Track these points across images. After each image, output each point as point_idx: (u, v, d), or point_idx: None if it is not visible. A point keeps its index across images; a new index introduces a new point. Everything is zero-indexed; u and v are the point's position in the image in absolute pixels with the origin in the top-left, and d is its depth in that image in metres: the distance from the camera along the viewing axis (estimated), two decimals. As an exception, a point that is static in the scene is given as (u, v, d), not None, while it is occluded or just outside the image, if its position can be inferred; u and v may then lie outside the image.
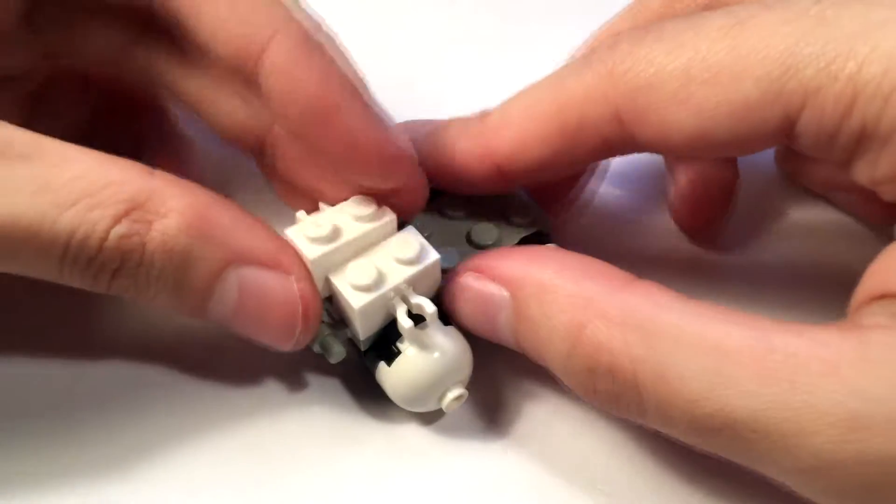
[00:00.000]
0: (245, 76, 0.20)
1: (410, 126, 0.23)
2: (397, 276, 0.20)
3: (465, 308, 0.21)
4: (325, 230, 0.20)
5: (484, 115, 0.21)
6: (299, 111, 0.19)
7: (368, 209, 0.21)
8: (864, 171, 0.18)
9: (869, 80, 0.16)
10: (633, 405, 0.18)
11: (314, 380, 0.23)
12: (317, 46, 0.20)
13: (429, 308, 0.20)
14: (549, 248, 0.21)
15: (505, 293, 0.19)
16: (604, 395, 0.18)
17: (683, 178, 0.25)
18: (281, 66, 0.19)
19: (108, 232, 0.17)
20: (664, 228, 0.26)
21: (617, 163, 0.27)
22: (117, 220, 0.17)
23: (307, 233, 0.20)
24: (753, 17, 0.18)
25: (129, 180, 0.18)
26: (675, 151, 0.20)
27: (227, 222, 0.19)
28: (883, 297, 0.16)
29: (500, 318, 0.20)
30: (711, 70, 0.18)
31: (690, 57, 0.18)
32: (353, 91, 0.20)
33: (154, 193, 0.18)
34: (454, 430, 0.22)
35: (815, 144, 0.18)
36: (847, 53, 0.16)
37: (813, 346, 0.16)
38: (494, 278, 0.20)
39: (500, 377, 0.23)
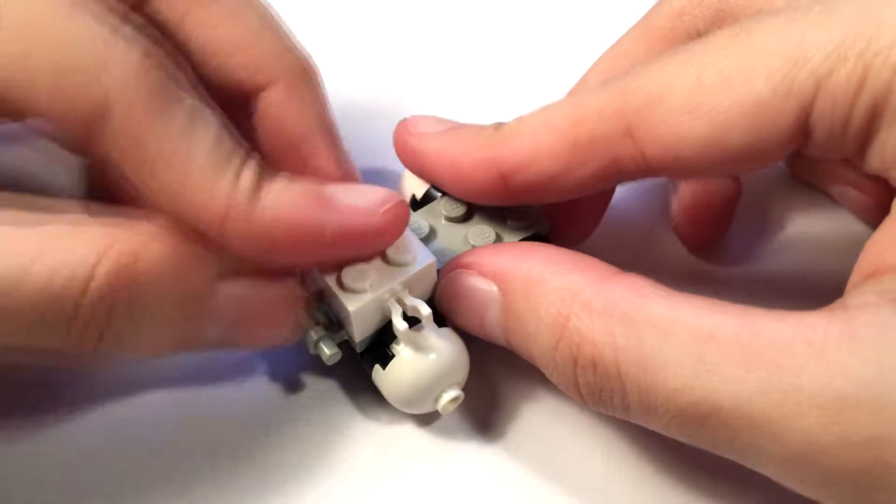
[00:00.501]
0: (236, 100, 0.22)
1: (422, 121, 0.23)
2: (392, 278, 0.20)
3: (455, 305, 0.21)
4: None
5: (498, 125, 0.21)
6: (283, 147, 0.21)
7: None
8: (877, 156, 0.18)
9: (878, 53, 0.16)
10: (617, 397, 0.17)
11: (310, 381, 0.23)
12: (307, 93, 0.22)
13: (424, 310, 0.20)
14: (537, 243, 0.21)
15: (493, 288, 0.19)
16: (587, 389, 0.18)
17: (686, 189, 0.25)
18: (275, 110, 0.22)
19: (93, 269, 0.16)
20: (665, 239, 0.26)
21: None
22: (99, 257, 0.17)
23: None
24: (759, 23, 0.18)
25: (88, 220, 0.17)
26: (686, 168, 0.19)
27: (201, 241, 0.18)
28: (873, 274, 0.16)
29: (489, 315, 0.20)
30: (722, 74, 0.18)
31: (700, 65, 0.18)
32: (329, 136, 0.22)
33: (120, 224, 0.17)
34: (450, 432, 0.22)
35: (829, 136, 0.18)
36: (855, 34, 0.17)
37: (799, 329, 0.16)
38: (483, 274, 0.20)
39: (497, 378, 0.23)
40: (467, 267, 0.20)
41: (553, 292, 0.18)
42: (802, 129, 0.18)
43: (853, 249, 0.19)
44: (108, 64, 0.17)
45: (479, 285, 0.20)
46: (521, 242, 0.21)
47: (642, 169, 0.20)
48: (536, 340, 0.19)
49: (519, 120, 0.21)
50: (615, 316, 0.17)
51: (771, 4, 0.21)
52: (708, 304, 0.17)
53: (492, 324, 0.20)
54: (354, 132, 0.29)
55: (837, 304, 0.16)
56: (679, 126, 0.18)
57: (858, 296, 0.16)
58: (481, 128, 0.22)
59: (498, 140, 0.21)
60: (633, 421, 0.18)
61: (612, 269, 0.19)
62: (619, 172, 0.20)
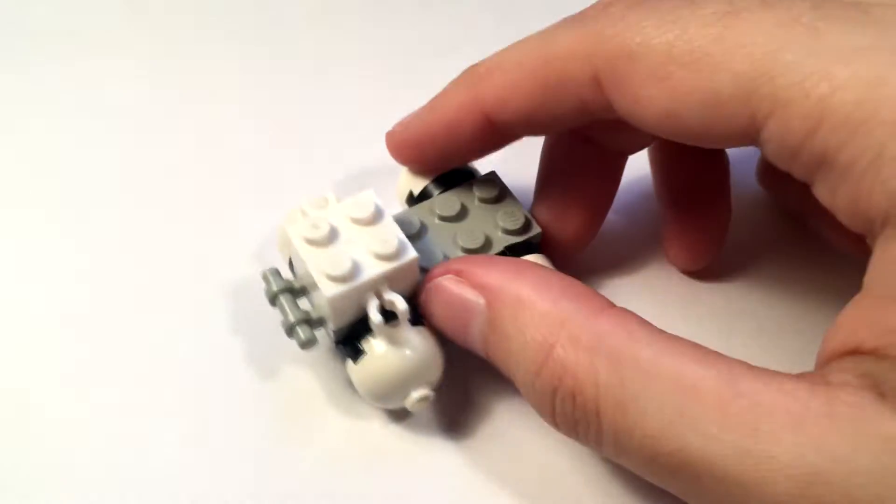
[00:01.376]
0: None
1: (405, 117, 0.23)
2: (373, 270, 0.20)
3: (439, 309, 0.20)
4: (322, 232, 0.20)
5: (475, 64, 0.22)
6: None
7: (366, 211, 0.21)
8: (824, 195, 0.17)
9: (838, 108, 0.16)
10: (592, 432, 0.17)
11: (284, 368, 0.23)
12: None
13: (401, 305, 0.20)
14: (532, 263, 0.20)
15: (481, 301, 0.19)
16: (563, 418, 0.18)
17: (677, 216, 0.25)
18: None
19: None
20: (658, 256, 0.26)
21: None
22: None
23: (304, 233, 0.20)
24: (748, 11, 0.17)
25: None
26: (645, 128, 0.19)
27: None
28: (854, 352, 0.16)
29: (472, 326, 0.19)
30: (694, 54, 0.17)
31: (677, 35, 0.18)
32: None
33: None
34: (421, 429, 0.22)
35: (779, 156, 0.17)
36: (823, 72, 0.16)
37: (780, 396, 0.15)
38: (473, 285, 0.19)
39: (469, 377, 0.23)
40: (458, 274, 0.20)
41: (541, 317, 0.18)
42: (753, 136, 0.17)
43: (838, 276, 0.19)
44: None
45: (467, 295, 0.19)
46: (515, 259, 0.21)
47: (610, 116, 0.20)
48: (518, 362, 0.18)
49: (496, 56, 0.21)
50: (601, 352, 0.17)
51: None
52: (693, 351, 0.17)
53: (474, 335, 0.19)
54: (351, 130, 0.29)
55: (818, 376, 0.16)
56: (644, 90, 0.18)
57: (839, 373, 0.16)
58: (459, 75, 0.22)
59: (477, 79, 0.21)
60: (603, 454, 0.18)
61: (603, 300, 0.18)
62: (592, 115, 0.20)
